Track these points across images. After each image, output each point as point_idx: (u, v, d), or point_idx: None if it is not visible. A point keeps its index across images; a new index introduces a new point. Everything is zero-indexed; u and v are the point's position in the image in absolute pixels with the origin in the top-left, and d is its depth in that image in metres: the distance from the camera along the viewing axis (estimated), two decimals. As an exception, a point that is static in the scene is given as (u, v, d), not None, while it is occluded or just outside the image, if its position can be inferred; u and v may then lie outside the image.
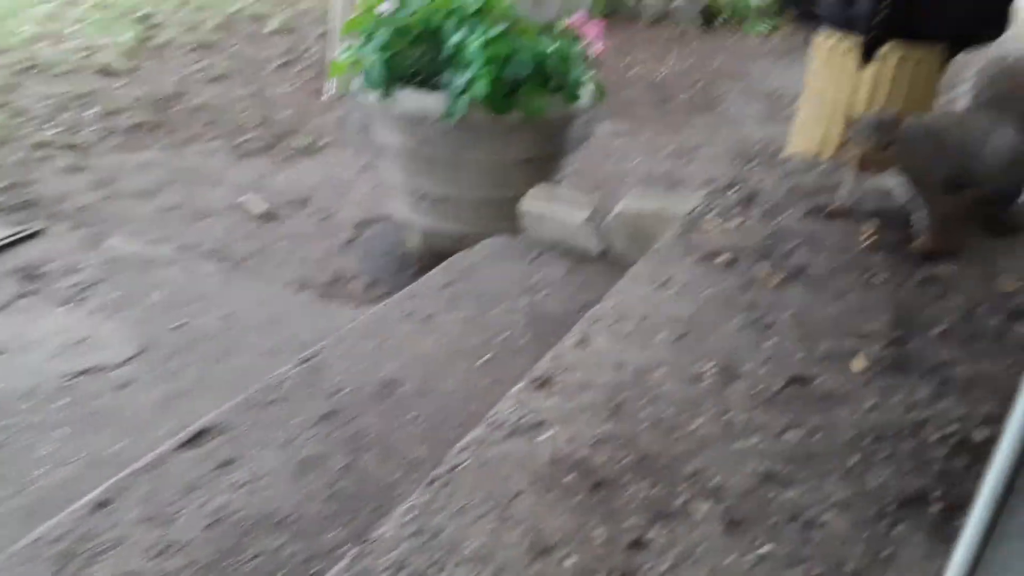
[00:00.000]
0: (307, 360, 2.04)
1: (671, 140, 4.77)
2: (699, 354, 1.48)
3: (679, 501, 1.16)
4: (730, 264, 1.78)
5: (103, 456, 2.07)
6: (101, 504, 1.51)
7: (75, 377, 2.38)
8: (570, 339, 1.58)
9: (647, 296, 1.68)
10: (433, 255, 2.96)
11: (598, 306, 1.69)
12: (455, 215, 3.19)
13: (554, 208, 2.62)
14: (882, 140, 1.75)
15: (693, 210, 2.04)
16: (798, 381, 1.42)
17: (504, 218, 2.80)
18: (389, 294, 2.89)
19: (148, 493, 1.54)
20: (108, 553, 1.40)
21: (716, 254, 1.82)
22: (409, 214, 3.28)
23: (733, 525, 1.12)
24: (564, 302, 2.29)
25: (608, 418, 1.32)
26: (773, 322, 1.58)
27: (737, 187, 2.11)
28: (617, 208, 2.51)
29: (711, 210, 2.02)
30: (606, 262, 2.49)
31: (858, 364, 1.47)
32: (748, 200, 2.05)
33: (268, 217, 3.61)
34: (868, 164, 1.81)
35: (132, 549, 1.41)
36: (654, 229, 2.33)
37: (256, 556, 1.41)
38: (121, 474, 1.60)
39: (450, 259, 2.60)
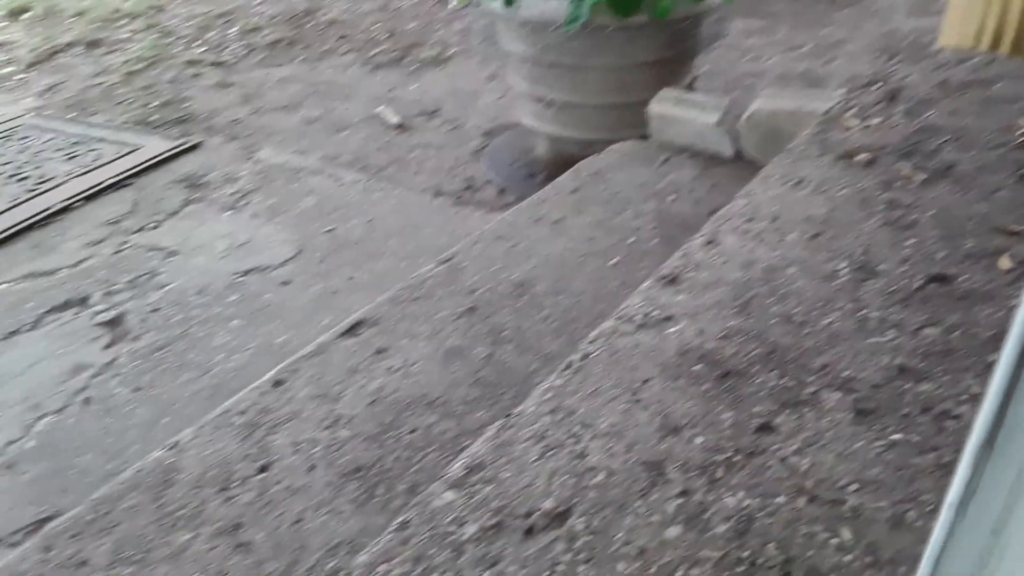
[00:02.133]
0: (446, 261, 2.17)
1: (809, 37, 4.51)
2: (833, 253, 1.49)
3: (808, 391, 1.21)
4: (870, 163, 1.74)
5: (272, 345, 2.31)
6: (277, 383, 1.72)
7: (242, 275, 2.64)
8: (699, 238, 1.62)
9: (780, 196, 1.68)
10: (561, 161, 3.00)
11: (729, 206, 1.71)
12: (581, 121, 3.20)
13: (683, 111, 2.59)
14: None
15: (831, 108, 1.98)
16: (939, 279, 1.41)
17: (631, 123, 2.79)
18: (519, 200, 2.98)
19: (316, 375, 1.74)
20: (286, 424, 1.60)
21: (855, 153, 1.78)
22: (535, 122, 3.32)
23: (863, 414, 1.16)
24: (693, 205, 2.30)
25: (736, 314, 1.37)
26: (914, 221, 1.55)
27: (880, 83, 2.03)
28: (750, 108, 2.46)
29: (851, 108, 1.96)
30: (737, 165, 2.46)
31: (1005, 263, 1.43)
32: (892, 97, 1.97)
33: (402, 128, 3.74)
34: None
35: (306, 422, 1.60)
36: (789, 129, 2.27)
37: (412, 431, 1.57)
38: (291, 359, 1.80)
39: (578, 164, 2.64)
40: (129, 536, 1.40)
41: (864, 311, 1.36)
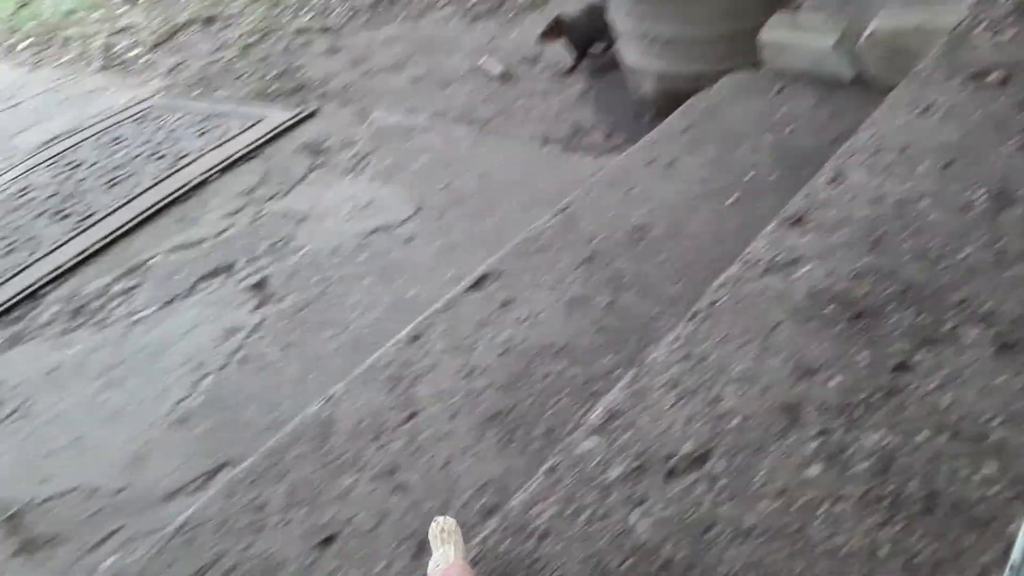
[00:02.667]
0: (561, 212, 2.21)
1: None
2: (968, 181, 1.44)
3: (946, 327, 1.19)
4: (1004, 82, 1.65)
5: (402, 299, 2.45)
6: (414, 338, 1.83)
7: (369, 235, 2.78)
8: (823, 175, 1.59)
9: (908, 124, 1.63)
10: (669, 99, 2.95)
11: (853, 138, 1.67)
12: (689, 55, 3.11)
13: (798, 35, 2.49)
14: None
15: (959, 23, 1.87)
16: (1083, 204, 1.34)
17: (742, 53, 2.71)
18: (629, 142, 2.97)
19: (448, 329, 1.84)
20: (426, 376, 1.72)
21: (987, 72, 1.68)
22: (641, 59, 3.26)
23: (1005, 348, 1.14)
24: (813, 136, 2.24)
25: (868, 252, 1.36)
26: (1056, 142, 1.47)
27: (1014, -9, 1.89)
28: (870, 27, 2.33)
29: (980, 22, 1.84)
30: (859, 89, 2.36)
31: None
32: (1028, 6, 1.84)
33: (505, 77, 3.76)
34: None
35: (444, 373, 1.72)
36: (913, 48, 2.16)
37: (544, 378, 1.65)
38: (424, 314, 1.92)
39: (688, 101, 2.60)
40: (299, 481, 1.56)
41: (1002, 242, 1.32)
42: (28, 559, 1.97)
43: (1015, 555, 0.63)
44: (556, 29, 3.52)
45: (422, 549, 1.35)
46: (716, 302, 1.39)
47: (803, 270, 1.37)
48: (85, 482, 2.15)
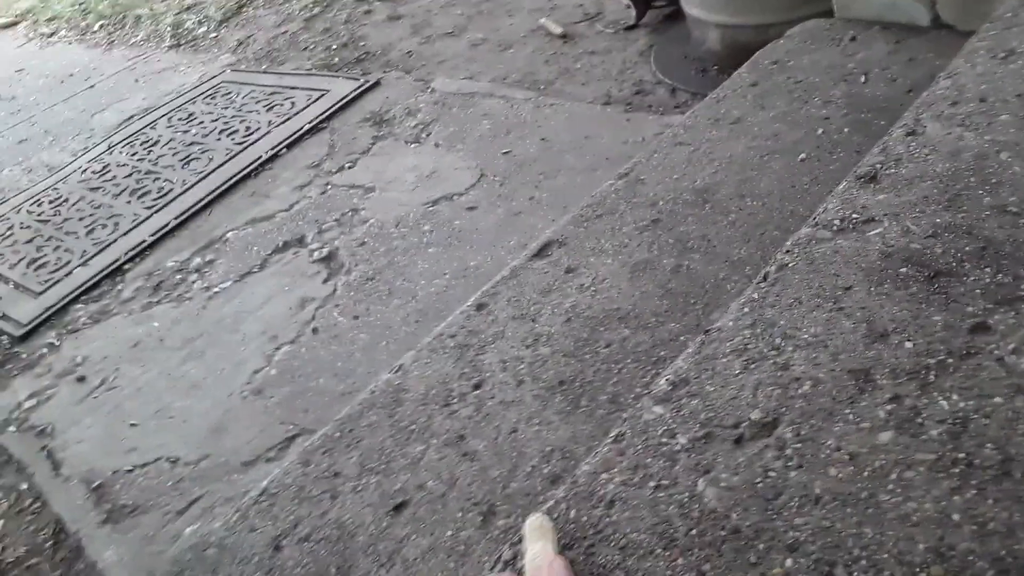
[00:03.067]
0: (625, 175, 2.18)
1: None
2: (1054, 131, 1.36)
3: (1027, 286, 1.14)
4: (1099, 20, 1.54)
5: (467, 268, 2.48)
6: (480, 307, 1.85)
7: (433, 204, 2.81)
8: (898, 129, 1.53)
9: (988, 72, 1.54)
10: (735, 52, 2.87)
11: (930, 89, 1.59)
12: (754, 4, 3.01)
13: (871, -20, 2.38)
14: None
15: (1050, -41, 1.75)
16: None
17: (811, 0, 2.60)
18: (694, 98, 2.91)
19: (513, 297, 1.85)
20: (493, 344, 1.74)
21: (1080, 10, 1.58)
22: (704, 11, 3.17)
23: (1091, 308, 1.09)
24: (888, 85, 2.14)
25: (945, 209, 1.30)
26: None
27: (1114, -81, 1.75)
28: (950, -31, 2.21)
29: (1074, -44, 1.72)
30: (936, 34, 2.25)
31: None
32: None
33: (566, 37, 3.71)
34: None
35: (510, 340, 1.73)
36: (998, -13, 2.04)
37: (608, 345, 1.65)
38: (489, 283, 1.93)
39: (755, 55, 2.51)
40: (371, 449, 1.61)
41: (1094, 193, 1.25)
42: (114, 527, 2.10)
43: None
44: None
45: (490, 515, 1.38)
46: (785, 265, 1.36)
47: (877, 230, 1.32)
48: (168, 452, 2.26)
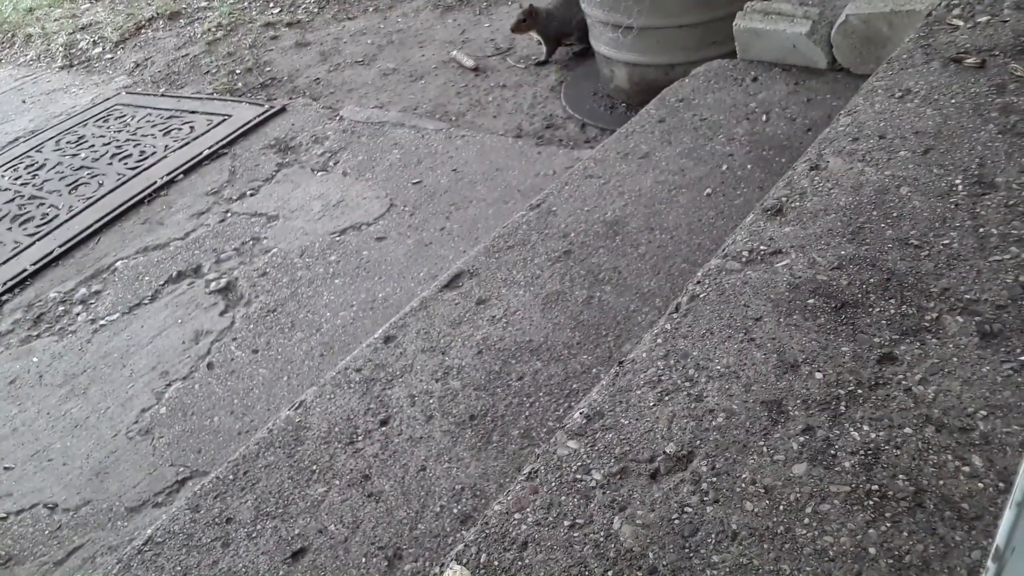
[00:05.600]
0: (536, 206, 2.17)
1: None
2: (948, 167, 1.41)
3: (929, 317, 1.17)
4: (981, 65, 1.63)
5: (375, 300, 2.39)
6: (388, 339, 1.78)
7: (340, 234, 2.72)
8: (802, 163, 1.56)
9: (886, 110, 1.60)
10: (642, 89, 2.93)
11: (831, 126, 1.64)
12: (662, 45, 3.09)
13: (771, 23, 2.47)
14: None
15: (934, 7, 1.85)
16: (1065, 188, 1.32)
17: (715, 42, 2.69)
18: (603, 133, 2.94)
19: (423, 329, 1.79)
20: (402, 377, 1.66)
21: (964, 56, 1.66)
22: (613, 50, 3.23)
23: (989, 337, 1.12)
24: (788, 124, 2.22)
25: (849, 241, 1.33)
26: (1035, 126, 1.45)
27: (989, -26, 1.87)
28: (843, 14, 2.32)
29: (955, 6, 1.82)
30: (833, 76, 2.34)
31: None
32: (1003, -12, 1.82)
33: (477, 70, 3.71)
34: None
35: (419, 374, 1.66)
36: (887, 33, 2.14)
37: (520, 378, 1.61)
38: (398, 315, 1.86)
39: (662, 92, 2.56)
40: (268, 492, 1.51)
41: (984, 228, 1.30)
42: (-15, 580, 1.90)
43: (999, 539, 0.60)
44: (529, 20, 3.48)
45: (395, 559, 1.30)
46: (697, 296, 1.35)
47: (785, 261, 1.34)
48: (46, 497, 2.07)
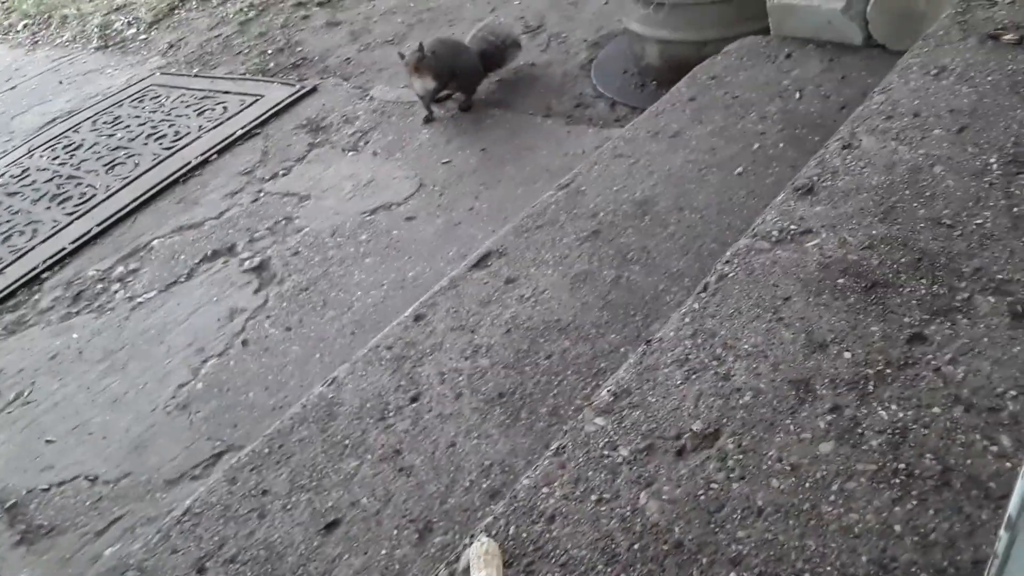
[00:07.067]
0: (565, 186, 2.17)
1: None
2: (982, 146, 1.39)
3: (961, 297, 1.16)
4: (1019, 42, 1.60)
5: (404, 279, 2.42)
6: (418, 318, 1.80)
7: (371, 214, 2.74)
8: (834, 142, 1.55)
9: (920, 88, 1.58)
10: (673, 67, 2.90)
11: (865, 104, 1.62)
12: (694, 21, 3.05)
13: None
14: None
15: (975, -18, 1.81)
16: (1104, 166, 1.30)
17: (749, 18, 2.65)
18: (632, 113, 2.92)
19: (452, 308, 1.81)
20: (431, 356, 1.69)
21: (1002, 32, 1.63)
22: (644, 27, 3.19)
23: (1020, 317, 1.11)
24: (822, 102, 2.19)
25: (880, 221, 1.32)
26: (1075, 103, 1.43)
27: (1032, -53, 1.83)
28: (880, -10, 2.28)
29: (998, -21, 1.78)
30: (868, 52, 2.31)
31: None
32: (1046, -39, 1.77)
33: (507, 48, 3.69)
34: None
35: (449, 352, 1.69)
36: (925, 9, 2.10)
37: (549, 357, 1.62)
38: (427, 294, 1.89)
39: (693, 70, 2.54)
40: (302, 466, 1.54)
41: (1018, 207, 1.28)
42: (29, 549, 1.97)
43: (1011, 509, 0.61)
44: (428, 59, 3.07)
45: (426, 532, 1.33)
46: (725, 276, 1.35)
47: (815, 241, 1.33)
48: (87, 470, 2.14)
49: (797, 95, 2.23)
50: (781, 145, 2.08)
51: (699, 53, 2.71)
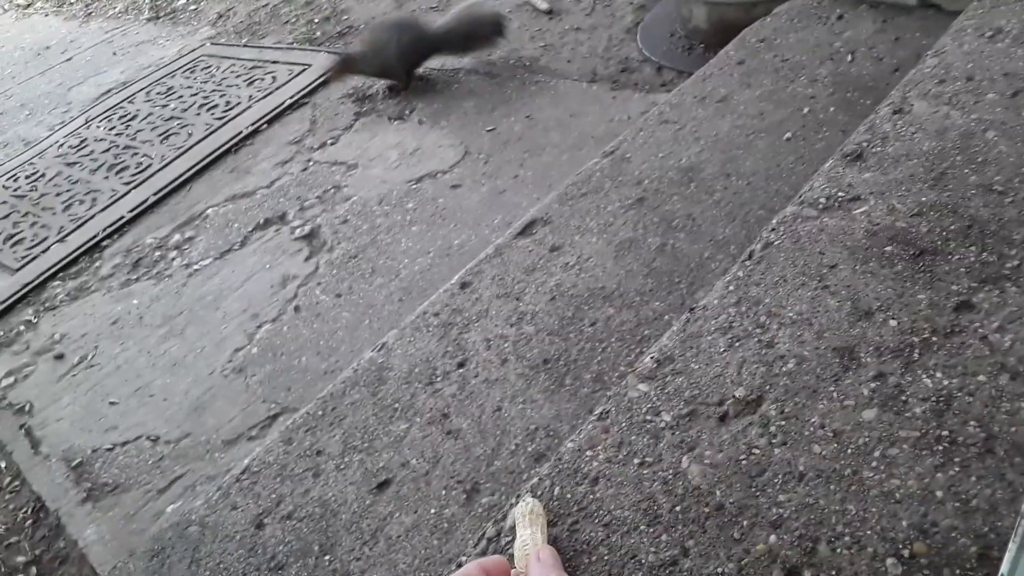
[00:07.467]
0: (610, 153, 2.17)
1: None
2: (1040, 110, 1.36)
3: (1010, 265, 1.14)
4: (1086, -1, 1.54)
5: (450, 246, 2.45)
6: (464, 285, 1.84)
7: (417, 182, 2.78)
8: (885, 107, 1.52)
9: (975, 51, 1.54)
10: (721, 30, 2.85)
11: (917, 67, 1.58)
12: (742, -18, 2.99)
13: (859, -42, 2.36)
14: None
15: (1038, -63, 1.74)
16: None
17: (800, -22, 2.58)
18: (680, 76, 2.89)
19: (497, 275, 1.84)
20: (477, 322, 1.73)
21: (1067, -11, 1.57)
22: (692, -12, 3.14)
23: (1073, 287, 1.09)
24: (874, 64, 2.14)
25: (930, 187, 1.30)
26: None
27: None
28: (937, -53, 2.21)
29: (1063, -66, 1.71)
30: (923, 13, 2.24)
31: None
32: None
33: (552, 13, 3.67)
34: None
35: (494, 319, 1.72)
36: (985, -34, 2.03)
37: (593, 323, 1.65)
38: (473, 261, 1.92)
39: (741, 33, 2.50)
40: (354, 427, 1.60)
41: (1079, 172, 1.25)
42: (95, 505, 2.08)
43: None
44: (342, 67, 3.39)
45: (473, 493, 1.38)
46: (771, 243, 1.35)
47: (863, 208, 1.32)
48: (148, 430, 2.24)
49: (849, 57, 2.19)
50: (832, 109, 2.05)
51: (748, 15, 2.66)
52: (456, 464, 1.45)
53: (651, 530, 0.97)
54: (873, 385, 1.06)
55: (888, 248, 1.23)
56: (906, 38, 2.15)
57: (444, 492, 1.40)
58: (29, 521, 2.11)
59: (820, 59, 2.21)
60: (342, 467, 1.52)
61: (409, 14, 3.79)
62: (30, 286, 2.95)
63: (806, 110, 2.07)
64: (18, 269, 3.07)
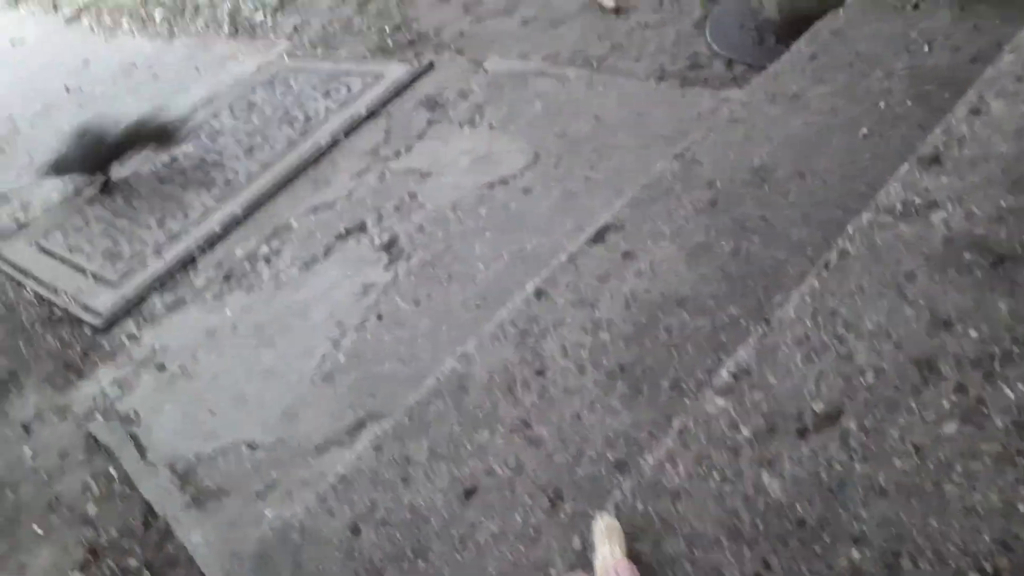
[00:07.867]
0: (680, 156, 2.18)
1: None
2: None
3: (1098, 272, 1.13)
4: None
5: (524, 251, 2.51)
6: (539, 293, 1.89)
7: (489, 188, 2.84)
8: (961, 107, 1.50)
9: (1061, 43, 1.49)
10: (793, 21, 2.80)
11: (995, 64, 1.55)
12: (813, -29, 2.93)
13: (936, -57, 2.30)
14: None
15: None
16: None
17: (873, -34, 2.52)
18: (751, 71, 2.86)
19: (571, 283, 1.89)
20: (554, 331, 1.78)
21: None
22: (761, -21, 3.10)
23: None
24: (952, 55, 2.09)
25: (1009, 191, 1.28)
26: None
27: None
28: (1020, -72, 2.13)
29: None
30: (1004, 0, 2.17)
31: None
32: None
33: (618, 10, 3.67)
34: None
35: (570, 327, 1.77)
36: (1071, -54, 1.95)
37: (668, 330, 1.68)
38: (547, 269, 1.97)
39: (814, 25, 2.46)
40: (440, 436, 1.68)
41: None
42: (200, 510, 2.21)
43: None
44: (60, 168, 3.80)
45: (557, 500, 1.43)
46: (846, 252, 1.36)
47: (940, 214, 1.31)
48: (246, 437, 2.37)
49: (926, 48, 2.14)
50: (908, 103, 2.01)
51: (821, 6, 2.61)
52: (538, 471, 1.51)
53: (733, 545, 1.01)
54: (954, 398, 1.06)
55: (966, 255, 1.23)
56: (984, 26, 2.09)
57: (528, 500, 1.46)
58: (140, 526, 2.26)
59: (895, 51, 2.17)
60: (430, 475, 1.60)
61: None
62: (131, 300, 3.14)
63: (882, 105, 2.04)
64: (119, 283, 3.27)
